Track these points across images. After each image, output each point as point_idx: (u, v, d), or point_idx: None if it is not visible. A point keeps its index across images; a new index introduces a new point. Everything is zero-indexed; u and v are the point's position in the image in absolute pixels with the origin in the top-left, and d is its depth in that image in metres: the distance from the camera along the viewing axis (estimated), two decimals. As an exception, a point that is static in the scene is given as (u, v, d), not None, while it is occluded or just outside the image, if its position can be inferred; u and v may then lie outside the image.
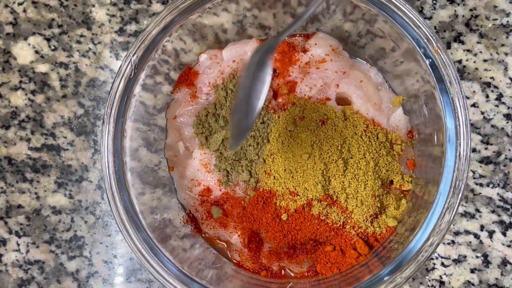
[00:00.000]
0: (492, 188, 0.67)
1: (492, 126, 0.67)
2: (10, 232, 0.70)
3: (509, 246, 0.66)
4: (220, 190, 0.62)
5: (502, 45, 0.68)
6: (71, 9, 0.71)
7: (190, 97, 0.64)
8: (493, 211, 0.67)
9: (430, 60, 0.54)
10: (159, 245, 0.56)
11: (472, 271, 0.67)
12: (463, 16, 0.68)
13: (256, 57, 0.54)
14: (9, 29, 0.71)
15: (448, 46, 0.68)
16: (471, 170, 0.67)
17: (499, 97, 0.67)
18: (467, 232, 0.67)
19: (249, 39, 0.64)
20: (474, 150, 0.67)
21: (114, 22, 0.70)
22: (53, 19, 0.71)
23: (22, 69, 0.71)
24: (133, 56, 0.57)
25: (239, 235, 0.61)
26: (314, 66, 0.62)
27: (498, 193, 0.67)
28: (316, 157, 0.58)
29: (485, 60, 0.68)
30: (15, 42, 0.71)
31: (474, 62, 0.68)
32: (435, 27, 0.68)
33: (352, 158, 0.59)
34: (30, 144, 0.70)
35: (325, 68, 0.62)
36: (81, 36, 0.70)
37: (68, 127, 0.70)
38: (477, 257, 0.67)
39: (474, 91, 0.68)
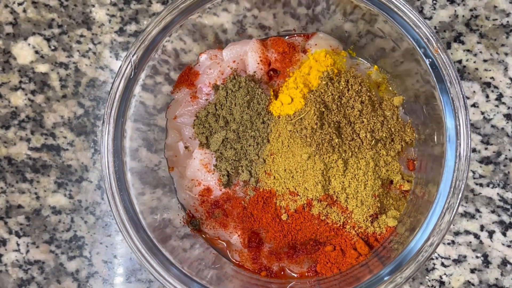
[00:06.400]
0: (492, 188, 0.67)
1: (492, 126, 0.67)
2: (10, 232, 0.70)
3: (509, 246, 0.66)
4: (220, 190, 0.62)
5: (502, 45, 0.68)
6: (71, 9, 0.71)
7: (190, 97, 0.64)
8: (493, 211, 0.67)
9: (430, 60, 0.54)
10: (159, 245, 0.56)
11: (472, 271, 0.67)
12: (463, 16, 0.68)
13: None
14: (9, 29, 0.71)
15: (448, 46, 0.68)
16: (471, 170, 0.67)
17: (499, 97, 0.67)
18: (467, 232, 0.67)
19: (249, 39, 0.64)
20: (474, 150, 0.67)
21: (114, 22, 0.70)
22: (53, 19, 0.71)
23: (22, 69, 0.71)
24: (133, 56, 0.57)
25: (239, 235, 0.61)
26: (314, 66, 0.62)
27: (498, 193, 0.67)
28: (316, 157, 0.58)
29: (485, 60, 0.68)
30: (15, 42, 0.71)
31: (474, 62, 0.68)
32: (435, 27, 0.68)
33: (352, 158, 0.59)
34: (30, 144, 0.70)
35: (325, 68, 0.62)
36: (81, 36, 0.70)
37: (68, 127, 0.70)
38: (477, 257, 0.67)
39: (474, 91, 0.68)
